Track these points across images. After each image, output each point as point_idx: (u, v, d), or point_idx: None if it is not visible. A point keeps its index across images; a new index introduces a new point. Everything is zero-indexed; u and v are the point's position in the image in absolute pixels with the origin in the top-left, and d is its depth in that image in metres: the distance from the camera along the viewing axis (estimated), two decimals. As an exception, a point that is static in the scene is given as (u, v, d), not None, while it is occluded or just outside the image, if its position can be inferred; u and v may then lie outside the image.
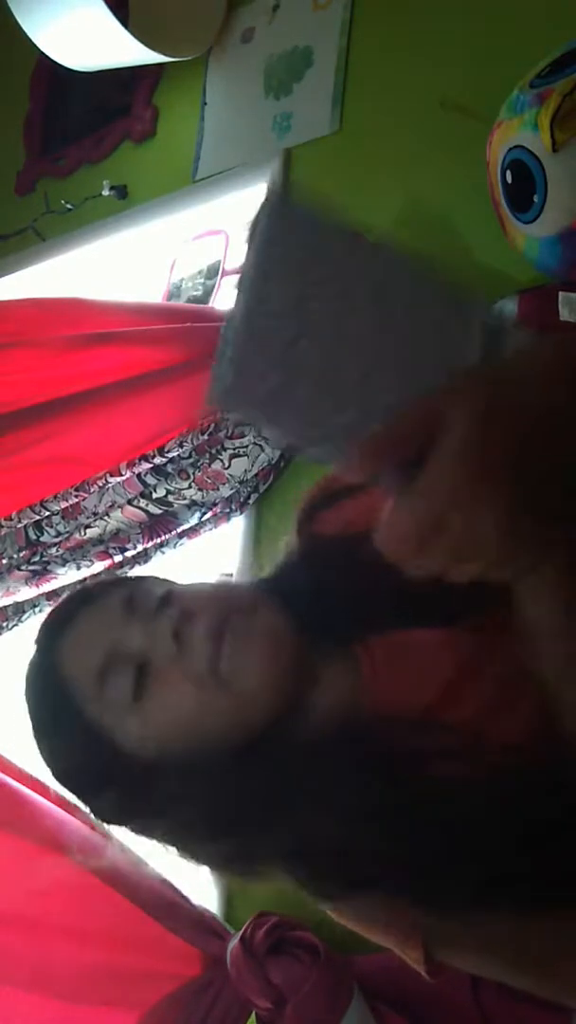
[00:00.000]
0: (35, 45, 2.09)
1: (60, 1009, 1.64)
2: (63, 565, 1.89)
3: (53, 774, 0.84)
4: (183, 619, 0.76)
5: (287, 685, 0.77)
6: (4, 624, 1.99)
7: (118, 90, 2.34)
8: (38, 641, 0.85)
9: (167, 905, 1.66)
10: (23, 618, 1.98)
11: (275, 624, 0.78)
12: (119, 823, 0.84)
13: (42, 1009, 1.63)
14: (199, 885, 1.81)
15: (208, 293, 2.15)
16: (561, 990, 0.78)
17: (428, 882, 0.70)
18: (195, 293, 2.18)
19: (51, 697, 0.81)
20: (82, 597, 0.85)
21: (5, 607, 1.99)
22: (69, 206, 2.36)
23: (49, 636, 0.83)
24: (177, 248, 2.25)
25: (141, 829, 0.84)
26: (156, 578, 0.87)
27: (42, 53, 2.13)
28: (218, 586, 0.83)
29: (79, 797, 0.84)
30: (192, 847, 0.83)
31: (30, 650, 0.87)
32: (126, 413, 1.79)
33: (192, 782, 0.77)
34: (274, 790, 0.75)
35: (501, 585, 0.63)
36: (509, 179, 1.24)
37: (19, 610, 1.98)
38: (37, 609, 1.97)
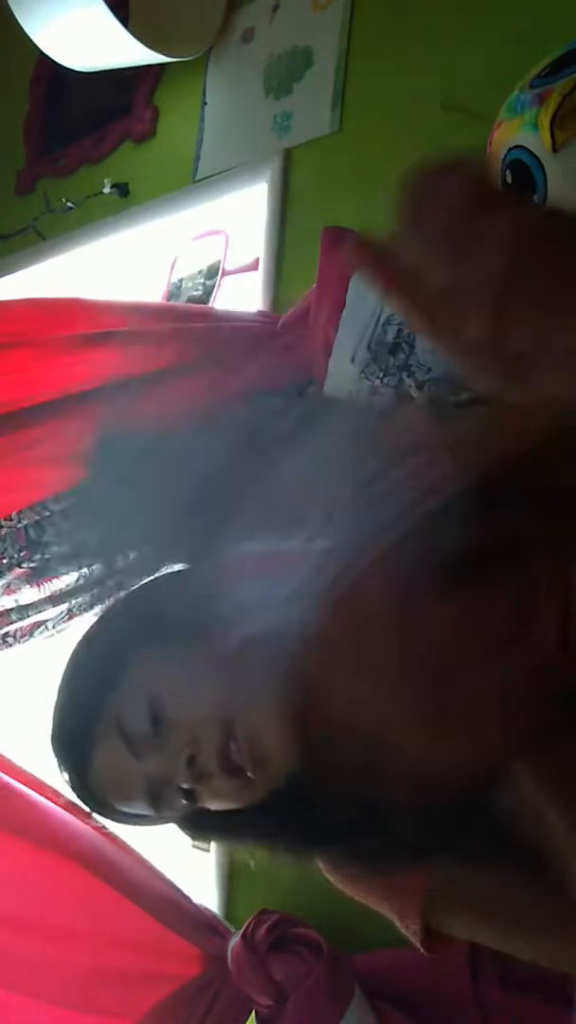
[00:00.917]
0: (35, 45, 2.10)
1: (60, 1009, 1.64)
2: (64, 564, 1.89)
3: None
4: (191, 763, 0.78)
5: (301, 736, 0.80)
6: (12, 637, 1.99)
7: (118, 90, 2.34)
8: (67, 779, 0.87)
9: (168, 904, 1.66)
10: (36, 633, 1.99)
11: (272, 706, 0.79)
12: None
13: (42, 1009, 1.63)
14: (199, 884, 1.81)
15: (208, 293, 2.15)
16: (553, 955, 0.83)
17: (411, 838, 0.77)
18: (195, 293, 2.18)
19: (117, 815, 0.86)
20: (74, 733, 0.85)
21: (8, 610, 1.99)
22: (70, 204, 2.37)
23: (78, 778, 0.85)
24: (177, 248, 2.25)
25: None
26: (132, 639, 0.85)
27: (42, 53, 2.13)
28: (193, 686, 0.81)
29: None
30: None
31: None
32: (126, 413, 1.79)
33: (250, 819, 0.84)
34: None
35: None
36: (509, 179, 1.25)
37: (23, 615, 1.98)
38: (54, 627, 1.98)
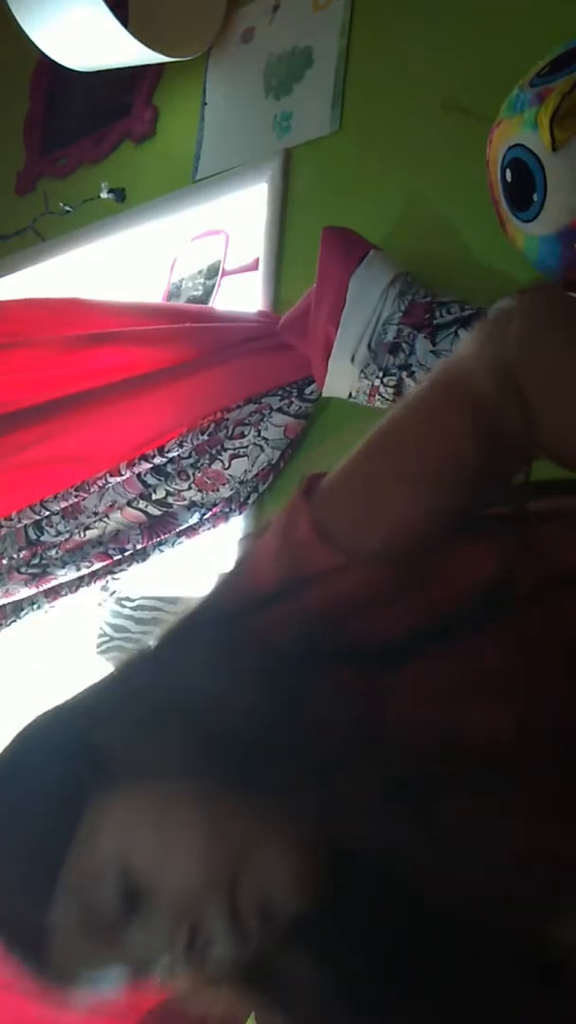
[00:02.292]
0: (35, 45, 2.10)
1: (60, 1009, 1.63)
2: (62, 567, 1.90)
3: None
4: (191, 938, 0.63)
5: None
6: (2, 622, 1.99)
7: (118, 90, 2.34)
8: (22, 962, 0.68)
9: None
10: (21, 614, 1.98)
11: (277, 848, 0.64)
12: None
13: (42, 1009, 1.63)
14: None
15: (208, 293, 2.15)
16: None
17: None
18: (195, 293, 2.18)
19: None
20: (20, 916, 0.65)
21: (3, 605, 1.99)
22: (68, 209, 2.37)
23: (34, 962, 0.67)
24: (177, 248, 2.25)
25: None
26: (75, 792, 0.65)
27: (42, 53, 2.13)
28: (178, 838, 0.63)
29: None
30: None
31: None
32: (126, 413, 1.79)
33: None
34: None
35: None
36: (509, 178, 1.25)
37: (17, 608, 1.98)
38: (35, 607, 1.97)
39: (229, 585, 0.73)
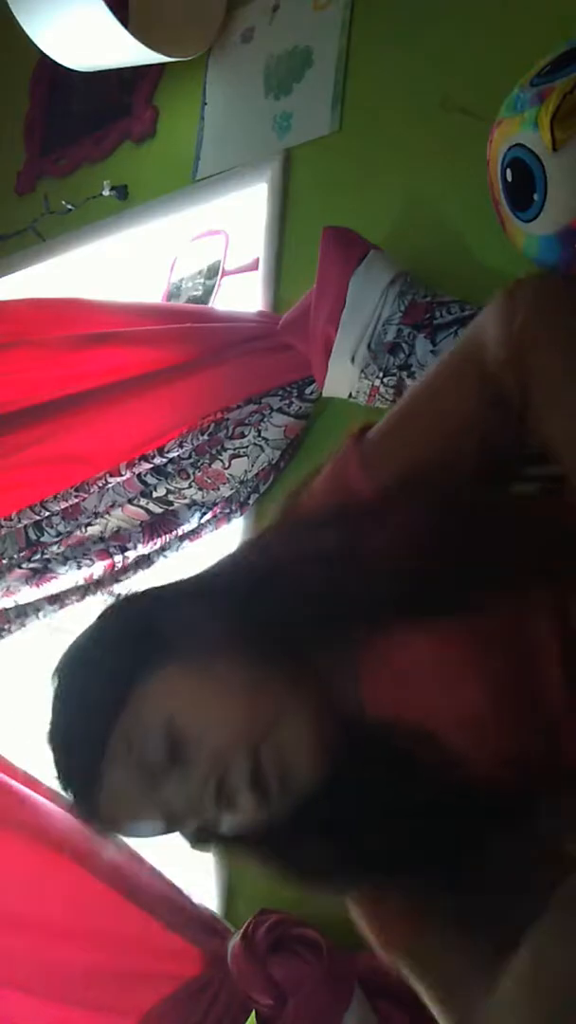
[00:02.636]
0: (35, 45, 2.10)
1: (60, 1009, 1.64)
2: (63, 564, 1.90)
3: None
4: (220, 787, 0.76)
5: (328, 745, 0.79)
6: (5, 627, 1.99)
7: (118, 90, 2.34)
8: (74, 805, 0.82)
9: (167, 904, 1.66)
10: (25, 622, 1.98)
11: (302, 712, 0.78)
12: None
13: (42, 1009, 1.63)
14: (199, 884, 1.81)
15: (208, 293, 2.15)
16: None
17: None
18: (195, 293, 2.18)
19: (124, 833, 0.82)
20: (81, 760, 0.79)
21: (7, 610, 1.99)
22: (69, 207, 2.37)
23: (86, 806, 0.80)
24: (177, 248, 2.25)
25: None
26: (129, 668, 0.80)
27: (42, 53, 2.13)
28: (219, 703, 0.77)
29: None
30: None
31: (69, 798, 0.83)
32: (126, 413, 1.79)
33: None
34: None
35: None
36: (509, 177, 1.24)
37: (21, 613, 1.98)
38: (40, 614, 1.97)
39: (287, 512, 0.90)
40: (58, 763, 0.81)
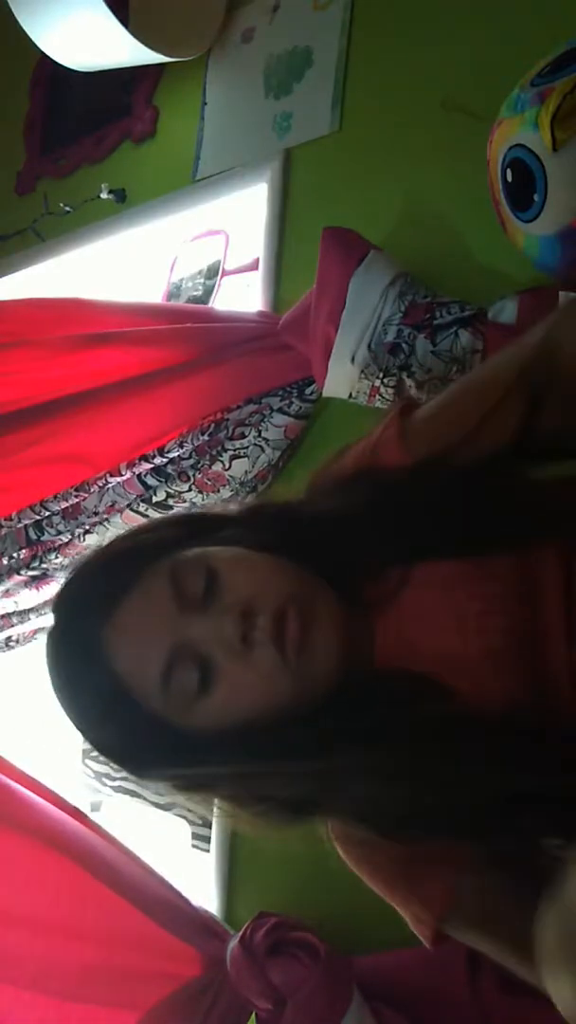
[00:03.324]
0: (35, 45, 2.09)
1: (60, 1010, 1.63)
2: (64, 571, 1.89)
3: (105, 754, 0.86)
4: (244, 617, 0.77)
5: (344, 654, 0.81)
6: (13, 640, 1.99)
7: (118, 90, 2.34)
8: (74, 626, 0.84)
9: (167, 906, 1.66)
10: (34, 635, 1.99)
11: (330, 602, 0.81)
12: (175, 791, 0.87)
13: (42, 1010, 1.63)
14: (199, 884, 1.81)
15: (208, 293, 2.15)
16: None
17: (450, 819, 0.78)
18: (195, 293, 2.18)
19: (107, 692, 0.80)
20: (115, 578, 0.82)
21: (9, 614, 1.99)
22: (68, 209, 2.37)
23: (92, 624, 0.81)
24: (177, 248, 2.25)
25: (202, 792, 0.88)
26: (185, 536, 0.85)
27: (42, 53, 2.13)
28: (261, 565, 0.82)
29: (135, 773, 0.86)
30: (254, 799, 0.85)
31: (61, 630, 0.85)
32: (126, 413, 1.79)
33: (254, 749, 0.80)
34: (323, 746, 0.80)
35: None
36: (509, 178, 1.24)
37: (24, 619, 1.98)
38: (39, 615, 1.97)
39: (320, 475, 0.95)
40: (103, 553, 0.86)
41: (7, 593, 1.94)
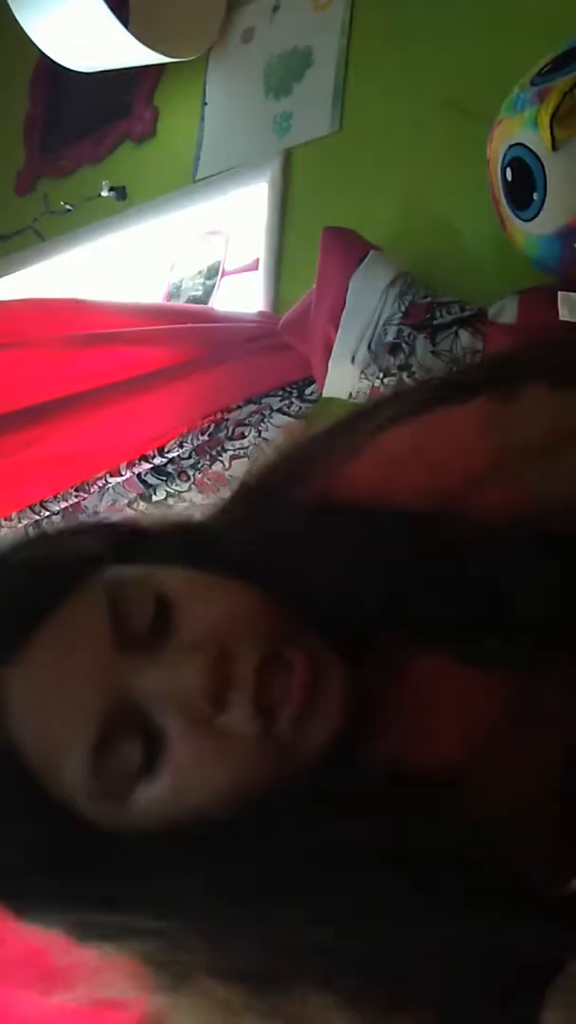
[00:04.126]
0: (35, 45, 2.10)
1: (60, 1009, 1.63)
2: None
3: None
4: (216, 663, 0.51)
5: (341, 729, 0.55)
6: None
7: (118, 90, 2.34)
8: None
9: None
10: None
11: (331, 653, 0.55)
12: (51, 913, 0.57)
13: (41, 1009, 1.63)
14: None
15: (208, 293, 2.15)
16: None
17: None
18: (195, 293, 2.18)
19: (3, 786, 0.51)
20: (20, 601, 0.53)
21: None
22: (68, 207, 2.37)
23: (13, 638, 0.52)
24: (177, 248, 2.25)
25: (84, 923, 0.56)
26: (110, 553, 0.57)
27: (42, 53, 2.13)
28: (233, 593, 0.55)
29: (17, 908, 0.57)
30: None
31: None
32: (126, 413, 1.79)
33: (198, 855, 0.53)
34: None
35: None
36: (509, 177, 1.25)
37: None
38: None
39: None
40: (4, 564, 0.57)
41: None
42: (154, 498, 1.81)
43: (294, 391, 1.71)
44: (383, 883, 0.52)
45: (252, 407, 1.73)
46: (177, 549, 0.59)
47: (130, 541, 0.60)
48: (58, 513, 1.86)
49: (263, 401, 1.72)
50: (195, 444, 1.75)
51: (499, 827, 0.56)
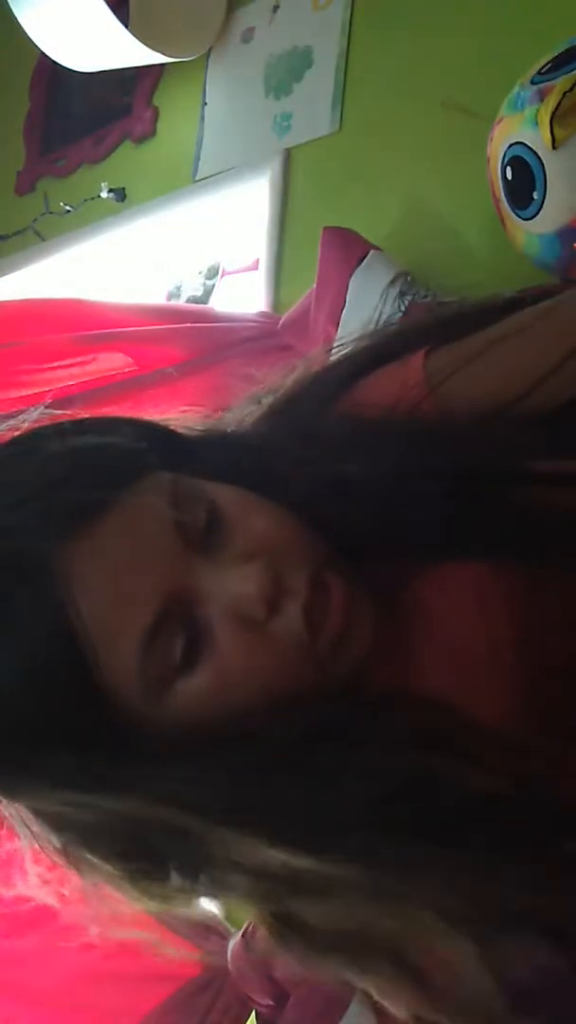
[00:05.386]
0: (35, 45, 2.10)
1: (59, 1010, 1.63)
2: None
3: None
4: (272, 571, 0.54)
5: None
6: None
7: (118, 90, 2.34)
8: (11, 538, 0.53)
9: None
10: None
11: (361, 580, 0.59)
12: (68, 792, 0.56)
13: (41, 1010, 1.63)
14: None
15: (208, 293, 2.16)
16: None
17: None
18: (195, 293, 2.18)
19: (53, 648, 0.52)
20: (87, 481, 0.55)
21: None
22: (68, 208, 2.37)
23: (43, 540, 0.52)
24: (177, 248, 2.25)
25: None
26: (157, 458, 0.60)
27: (42, 53, 2.13)
28: (280, 515, 0.58)
29: (17, 782, 0.57)
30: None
31: None
32: (126, 413, 1.79)
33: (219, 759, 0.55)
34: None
35: None
36: (509, 175, 1.25)
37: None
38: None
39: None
40: (40, 455, 0.59)
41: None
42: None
43: (294, 391, 1.71)
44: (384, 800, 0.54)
45: (252, 407, 1.72)
46: (221, 465, 0.62)
47: (176, 448, 0.64)
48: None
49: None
50: (195, 444, 1.75)
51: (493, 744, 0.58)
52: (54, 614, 0.51)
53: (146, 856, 0.57)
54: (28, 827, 0.59)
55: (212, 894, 0.61)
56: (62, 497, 0.54)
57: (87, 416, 0.70)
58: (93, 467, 0.57)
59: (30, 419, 0.71)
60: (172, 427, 0.71)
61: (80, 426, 0.65)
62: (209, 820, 0.54)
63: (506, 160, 1.24)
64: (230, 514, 0.56)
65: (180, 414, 0.76)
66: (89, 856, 0.58)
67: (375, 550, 0.62)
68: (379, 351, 0.71)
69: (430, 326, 0.73)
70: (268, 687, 0.54)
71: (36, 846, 0.60)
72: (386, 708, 0.59)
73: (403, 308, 1.53)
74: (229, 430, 0.74)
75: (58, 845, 0.59)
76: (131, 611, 0.52)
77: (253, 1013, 1.56)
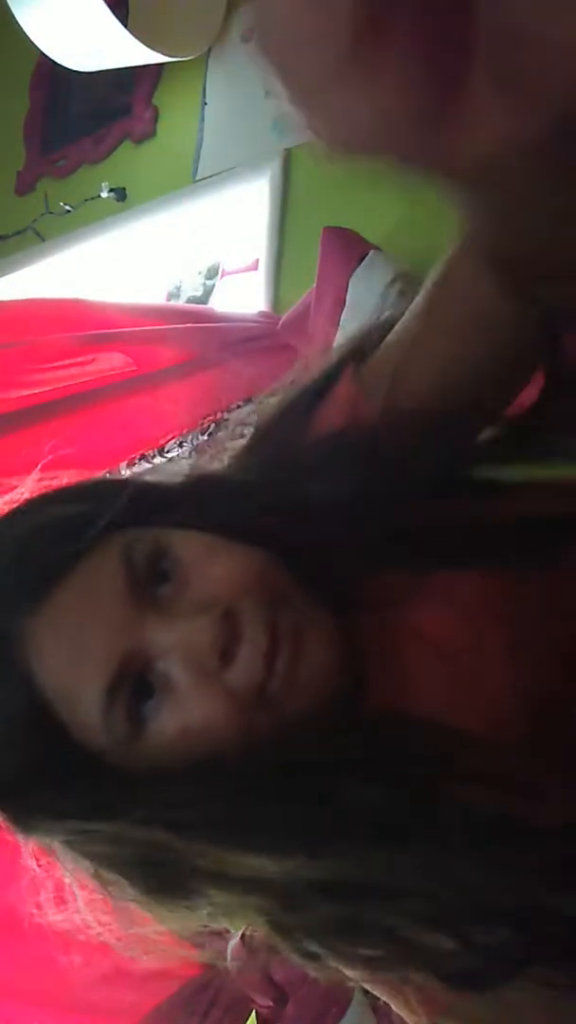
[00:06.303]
0: (35, 45, 2.10)
1: (59, 1011, 1.63)
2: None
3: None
4: (227, 621, 0.55)
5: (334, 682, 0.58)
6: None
7: (118, 90, 2.34)
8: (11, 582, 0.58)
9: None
10: None
11: (321, 609, 0.59)
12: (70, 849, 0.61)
13: (41, 1011, 1.63)
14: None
15: (208, 293, 2.15)
16: None
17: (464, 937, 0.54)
18: (195, 293, 2.18)
19: (18, 706, 0.56)
20: (45, 555, 0.58)
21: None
22: (68, 208, 2.37)
23: (10, 616, 0.57)
24: (177, 248, 2.25)
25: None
26: (123, 513, 0.61)
27: (42, 53, 2.13)
28: (237, 553, 0.59)
29: (21, 819, 0.61)
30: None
31: None
32: (126, 413, 1.79)
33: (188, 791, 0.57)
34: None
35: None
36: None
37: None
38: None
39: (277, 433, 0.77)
40: (18, 539, 0.60)
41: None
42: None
43: (294, 391, 1.71)
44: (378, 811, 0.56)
45: (252, 407, 1.73)
46: (188, 511, 0.63)
47: (145, 500, 0.63)
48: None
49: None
50: (195, 444, 1.75)
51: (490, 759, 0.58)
52: (21, 687, 0.56)
53: (155, 876, 0.60)
54: (62, 858, 0.63)
55: (218, 912, 0.64)
56: (16, 577, 0.58)
57: (66, 486, 0.73)
58: (47, 542, 0.59)
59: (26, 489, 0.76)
60: (151, 479, 0.72)
61: (31, 503, 0.67)
62: (200, 840, 0.57)
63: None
64: (187, 563, 0.58)
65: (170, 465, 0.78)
66: (112, 878, 0.61)
67: (343, 570, 0.62)
68: (324, 378, 0.71)
69: (353, 342, 0.73)
70: (233, 729, 0.55)
71: (73, 875, 0.63)
72: (381, 728, 0.60)
73: (403, 308, 1.53)
74: (207, 473, 0.76)
75: (90, 871, 0.61)
76: (87, 674, 0.55)
77: (253, 1013, 1.56)
